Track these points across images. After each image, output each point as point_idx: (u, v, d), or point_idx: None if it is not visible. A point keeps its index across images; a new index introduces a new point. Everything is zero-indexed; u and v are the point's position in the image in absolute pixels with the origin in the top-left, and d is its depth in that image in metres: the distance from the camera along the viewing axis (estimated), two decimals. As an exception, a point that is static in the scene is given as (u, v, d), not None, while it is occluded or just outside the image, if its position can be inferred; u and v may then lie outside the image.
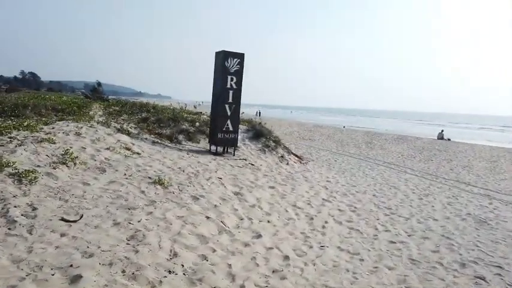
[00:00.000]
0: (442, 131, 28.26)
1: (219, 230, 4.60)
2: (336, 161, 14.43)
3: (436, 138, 26.79)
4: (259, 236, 4.71)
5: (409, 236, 5.76)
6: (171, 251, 3.69)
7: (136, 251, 3.47)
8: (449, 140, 26.24)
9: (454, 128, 62.47)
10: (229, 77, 9.60)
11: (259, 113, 65.53)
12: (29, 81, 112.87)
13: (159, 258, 3.48)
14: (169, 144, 9.46)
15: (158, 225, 4.18)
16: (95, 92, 26.12)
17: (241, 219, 5.18)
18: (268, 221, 5.41)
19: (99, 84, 31.84)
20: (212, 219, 4.77)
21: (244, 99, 9.98)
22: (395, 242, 5.35)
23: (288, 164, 10.63)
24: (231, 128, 9.80)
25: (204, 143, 10.65)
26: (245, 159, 9.76)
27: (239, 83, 9.75)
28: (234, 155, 9.93)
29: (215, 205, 5.35)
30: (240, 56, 9.68)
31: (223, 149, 10.05)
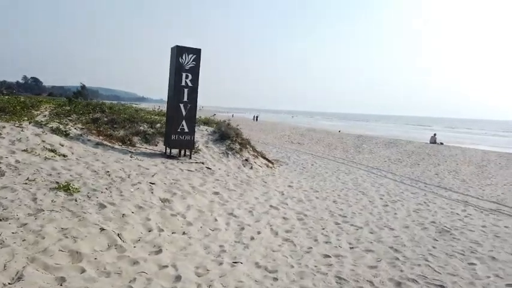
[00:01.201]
0: (435, 134, 27.38)
1: (110, 244, 3.90)
2: (313, 165, 13.71)
3: (428, 142, 25.96)
4: (159, 251, 4.01)
5: (351, 248, 5.05)
6: (17, 273, 3.01)
7: (-38, 274, 2.79)
8: (442, 144, 25.38)
9: (452, 132, 61.65)
10: (184, 74, 8.96)
11: (257, 117, 65.03)
12: (31, 86, 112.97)
13: (-9, 283, 2.79)
14: (118, 147, 8.80)
15: (24, 240, 3.50)
16: (79, 95, 25.78)
17: (150, 231, 4.49)
18: (184, 233, 4.72)
19: (83, 87, 31.68)
20: (107, 232, 4.08)
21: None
22: (329, 256, 4.64)
23: (251, 168, 9.93)
24: (186, 129, 9.13)
25: (162, 146, 9.99)
26: (202, 163, 9.08)
27: (195, 80, 9.11)
28: (190, 158, 9.25)
29: (123, 214, 4.66)
30: (196, 52, 9.05)
31: (180, 152, 9.37)
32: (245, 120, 55.90)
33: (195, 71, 9.06)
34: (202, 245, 4.48)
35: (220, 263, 4.05)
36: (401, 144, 24.91)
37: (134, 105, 19.62)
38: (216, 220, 5.39)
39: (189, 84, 9.03)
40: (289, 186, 8.78)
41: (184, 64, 8.94)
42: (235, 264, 4.08)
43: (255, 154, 11.28)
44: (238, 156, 10.37)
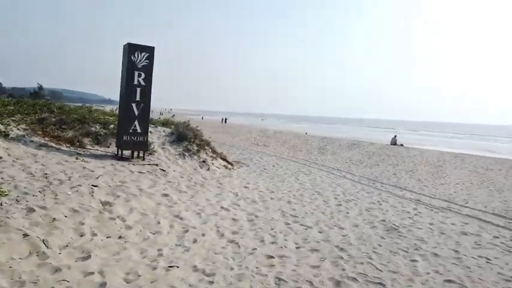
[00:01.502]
0: (395, 136, 28.31)
1: (32, 251, 3.60)
2: (274, 166, 13.65)
3: (389, 143, 26.75)
4: (88, 257, 3.75)
5: (297, 248, 4.98)
6: None
7: None
8: (402, 145, 26.25)
9: (413, 134, 64.06)
10: (136, 73, 8.64)
11: (225, 120, 64.89)
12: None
13: None
14: (65, 148, 8.35)
15: None
16: (35, 95, 24.64)
17: (81, 236, 4.21)
18: (120, 237, 4.47)
19: (40, 88, 30.32)
20: (30, 238, 3.77)
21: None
22: (273, 257, 4.54)
23: (208, 169, 9.73)
24: (139, 130, 8.80)
25: (115, 148, 9.58)
26: (156, 165, 8.78)
27: (148, 79, 8.81)
28: (143, 160, 8.93)
29: (54, 218, 4.35)
30: (150, 50, 8.76)
31: (132, 154, 9.02)
32: (214, 123, 55.61)
33: (148, 70, 8.76)
34: (139, 250, 4.25)
35: (155, 268, 3.85)
36: (364, 145, 25.49)
37: (100, 108, 18.50)
38: (158, 223, 5.17)
39: (142, 83, 8.72)
40: (245, 187, 8.66)
41: (137, 62, 8.63)
42: (170, 268, 3.89)
43: (214, 155, 11.09)
44: (195, 157, 10.14)
